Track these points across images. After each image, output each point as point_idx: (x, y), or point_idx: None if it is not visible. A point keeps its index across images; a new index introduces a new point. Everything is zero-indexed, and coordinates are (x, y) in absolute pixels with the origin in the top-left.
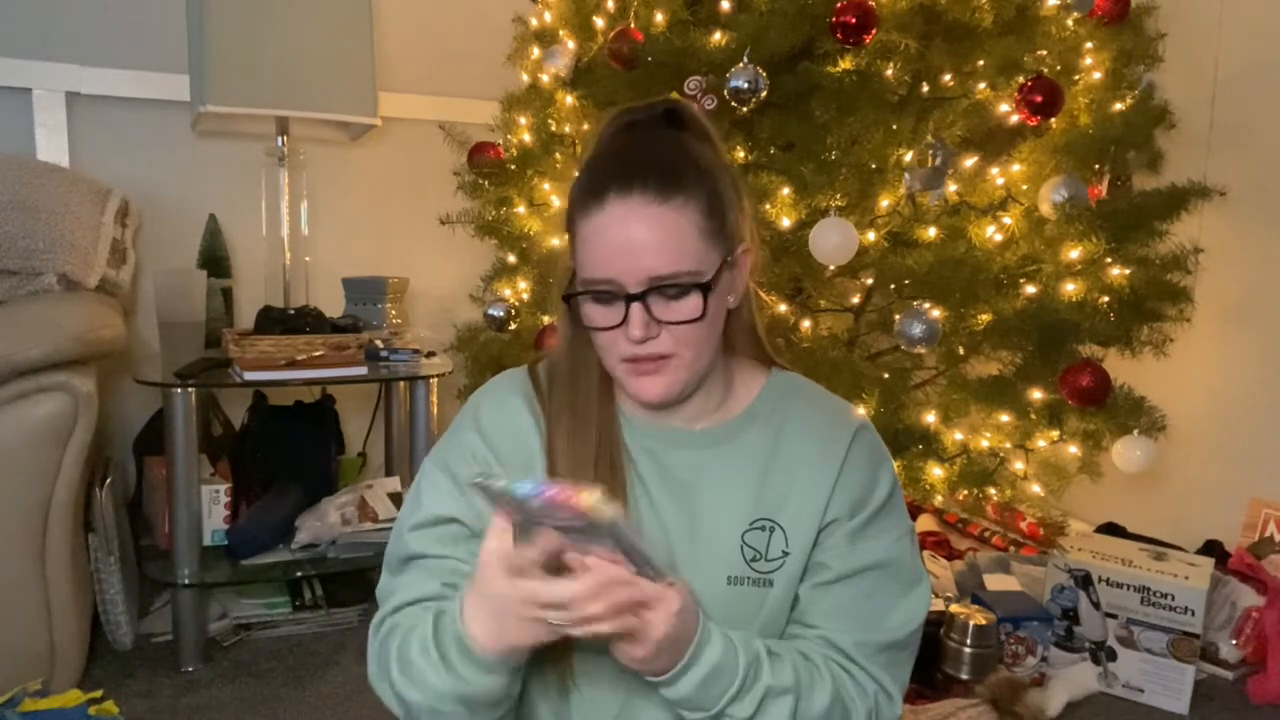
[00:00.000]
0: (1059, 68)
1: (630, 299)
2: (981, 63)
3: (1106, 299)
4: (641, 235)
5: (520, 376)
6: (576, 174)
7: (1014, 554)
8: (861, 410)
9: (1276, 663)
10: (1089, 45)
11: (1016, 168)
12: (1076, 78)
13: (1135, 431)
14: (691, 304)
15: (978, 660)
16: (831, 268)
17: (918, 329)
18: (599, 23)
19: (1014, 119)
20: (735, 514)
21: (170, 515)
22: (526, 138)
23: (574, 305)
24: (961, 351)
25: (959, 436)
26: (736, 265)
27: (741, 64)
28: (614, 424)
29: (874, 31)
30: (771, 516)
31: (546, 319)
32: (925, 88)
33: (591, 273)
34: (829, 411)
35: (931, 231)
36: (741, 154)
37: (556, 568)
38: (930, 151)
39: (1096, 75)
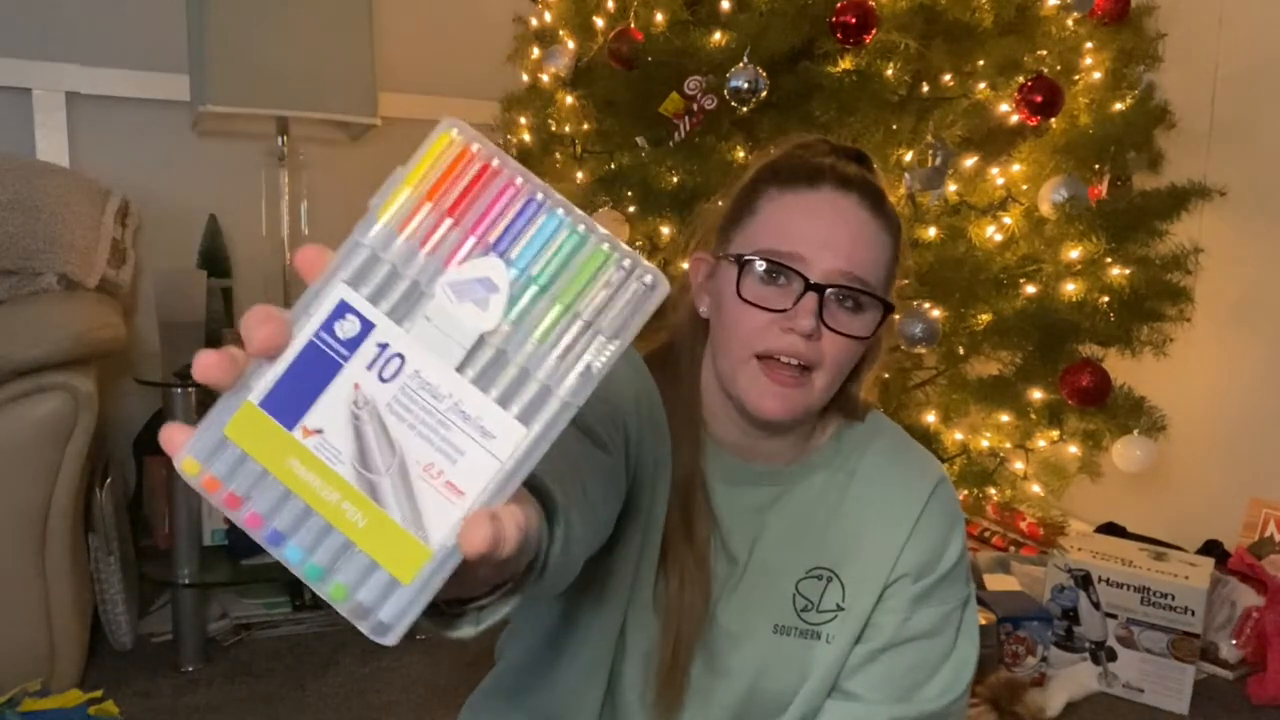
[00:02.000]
0: (1059, 68)
1: (810, 287)
2: (981, 63)
3: (1106, 299)
4: (848, 231)
5: (645, 370)
6: (768, 157)
7: (1014, 554)
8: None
9: (1276, 663)
10: (1089, 45)
11: (1016, 168)
12: (1076, 78)
13: (1135, 431)
14: (863, 321)
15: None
16: None
17: (918, 329)
18: (599, 23)
19: (1014, 119)
20: (793, 560)
21: (170, 515)
22: (526, 138)
23: (698, 290)
24: (961, 351)
25: (959, 436)
26: (885, 324)
27: (741, 64)
28: (702, 445)
29: (874, 31)
30: (831, 566)
31: None
32: (925, 88)
33: (779, 244)
34: (908, 459)
35: (931, 231)
36: (741, 154)
37: None
38: (930, 151)
39: (1096, 75)
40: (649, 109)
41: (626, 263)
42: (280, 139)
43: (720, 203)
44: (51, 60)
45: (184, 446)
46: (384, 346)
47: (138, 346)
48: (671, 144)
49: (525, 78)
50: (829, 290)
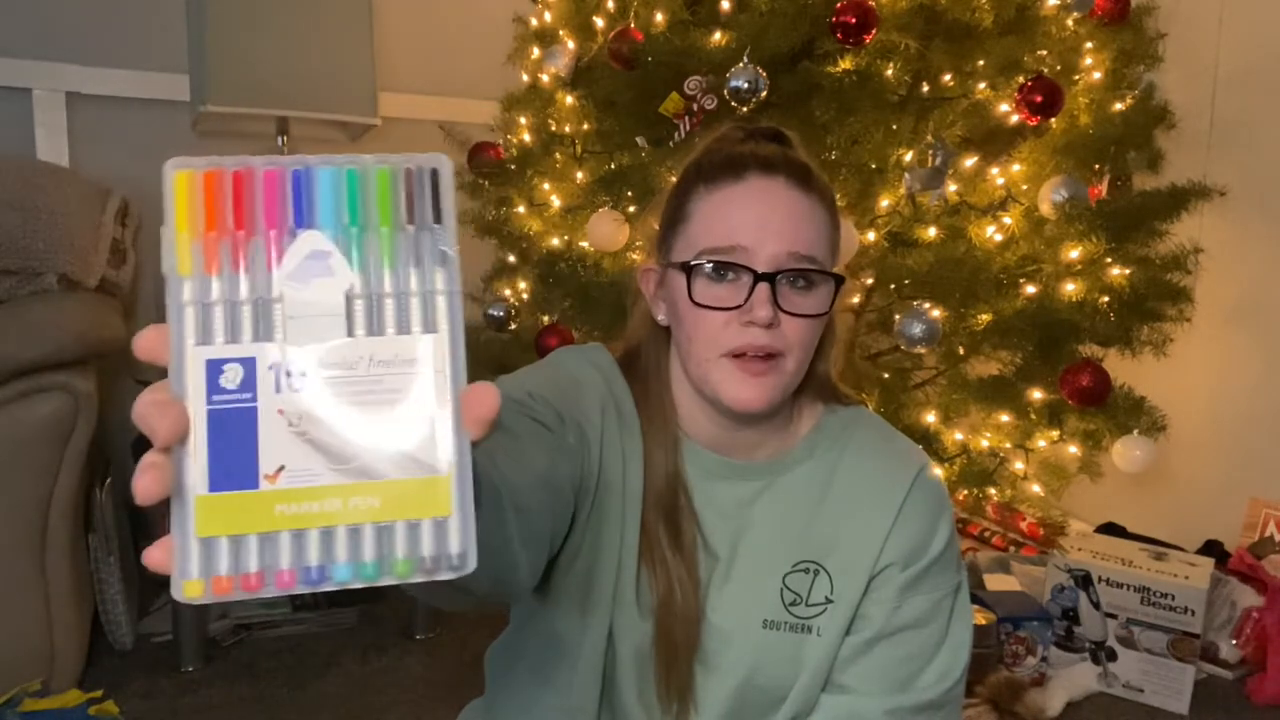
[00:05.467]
0: (1059, 68)
1: (760, 278)
2: (981, 63)
3: (1106, 299)
4: (783, 214)
5: (617, 373)
6: (691, 162)
7: (1014, 554)
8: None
9: (1276, 663)
10: (1089, 45)
11: (1016, 168)
12: (1076, 78)
13: (1135, 431)
14: (818, 297)
15: (977, 660)
16: None
17: (918, 329)
18: (599, 23)
19: (1014, 119)
20: (779, 554)
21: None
22: (526, 138)
23: (652, 300)
24: (961, 351)
25: (959, 436)
26: (838, 293)
27: (741, 64)
28: (680, 445)
29: (874, 31)
30: (817, 559)
31: (546, 319)
32: (925, 88)
33: (718, 241)
34: (890, 449)
35: (931, 231)
36: None
37: None
38: (930, 151)
39: (1096, 75)
40: (649, 109)
41: (406, 165)
42: (280, 139)
43: (654, 214)
44: (51, 60)
45: (173, 575)
46: (276, 365)
47: None
48: (672, 144)
49: (525, 78)
50: (779, 275)
